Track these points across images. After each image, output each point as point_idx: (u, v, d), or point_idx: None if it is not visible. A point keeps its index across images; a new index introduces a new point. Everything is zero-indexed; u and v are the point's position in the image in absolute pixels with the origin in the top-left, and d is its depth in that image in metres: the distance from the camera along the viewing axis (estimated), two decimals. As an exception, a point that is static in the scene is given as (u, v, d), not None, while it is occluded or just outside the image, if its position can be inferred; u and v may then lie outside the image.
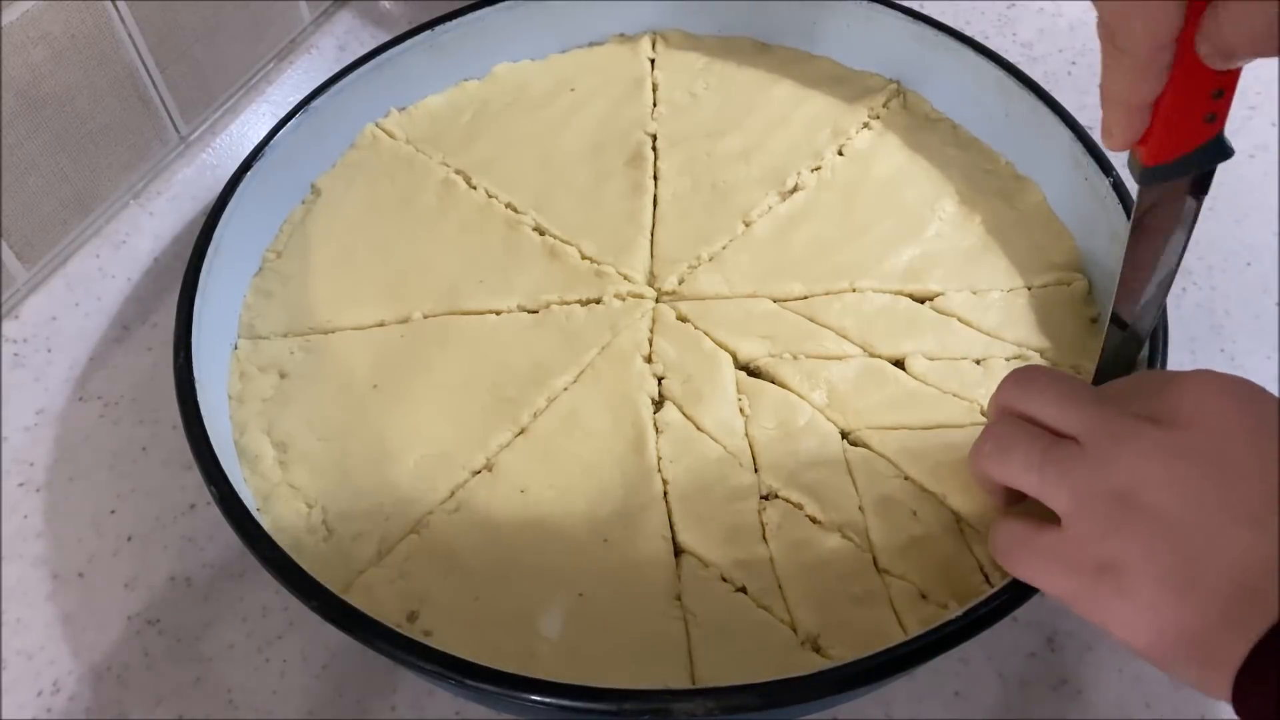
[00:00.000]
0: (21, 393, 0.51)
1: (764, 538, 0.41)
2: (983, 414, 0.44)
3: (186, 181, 0.58)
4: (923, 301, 0.48)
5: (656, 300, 0.49)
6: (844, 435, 0.44)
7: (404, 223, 0.52)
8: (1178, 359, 0.51)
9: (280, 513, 0.43)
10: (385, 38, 0.56)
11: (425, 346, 0.48)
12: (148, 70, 0.54)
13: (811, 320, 0.48)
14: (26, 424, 0.50)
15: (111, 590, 0.45)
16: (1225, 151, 0.36)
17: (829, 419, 0.45)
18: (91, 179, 0.54)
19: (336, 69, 0.54)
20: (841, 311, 0.48)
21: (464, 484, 0.44)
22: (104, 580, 0.46)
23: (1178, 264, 0.39)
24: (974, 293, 0.48)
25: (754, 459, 0.44)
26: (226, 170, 0.50)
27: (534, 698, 0.34)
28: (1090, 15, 0.67)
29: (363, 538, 0.42)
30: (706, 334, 0.47)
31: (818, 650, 0.39)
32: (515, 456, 0.44)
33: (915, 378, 0.46)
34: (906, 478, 0.43)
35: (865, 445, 0.44)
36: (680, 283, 0.50)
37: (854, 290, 0.49)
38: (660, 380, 0.46)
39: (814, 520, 0.42)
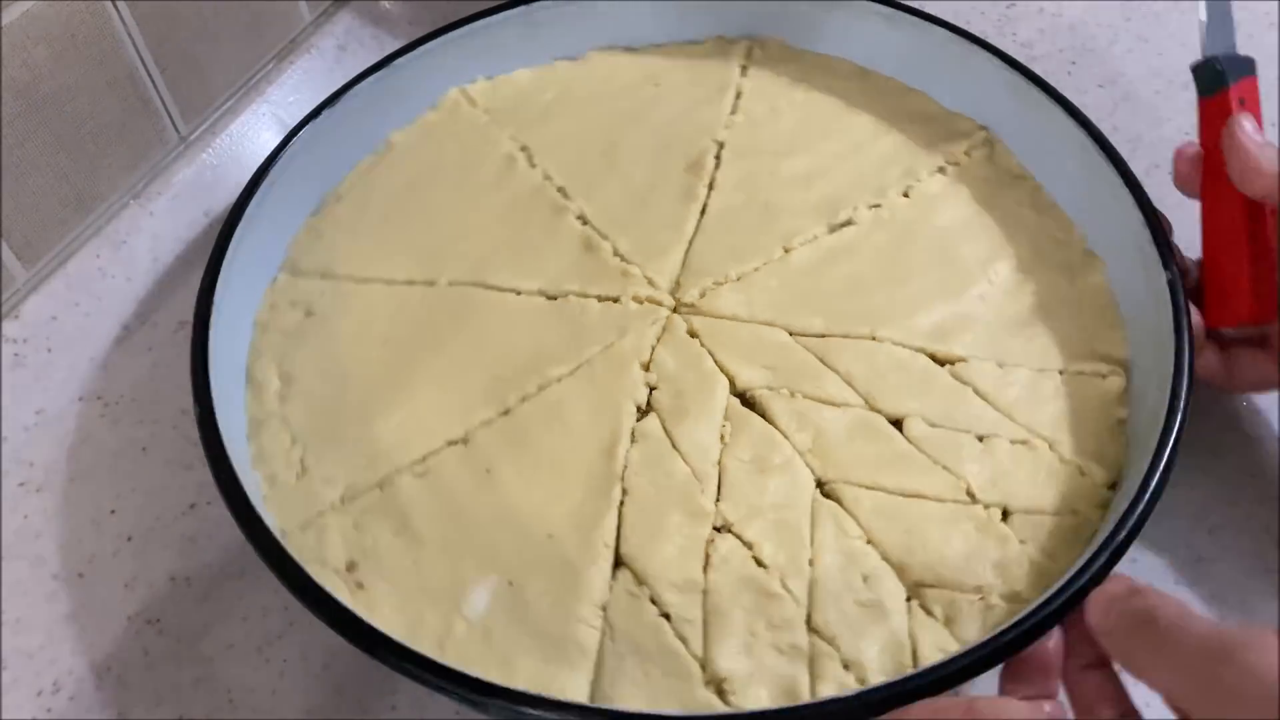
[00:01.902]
0: (21, 393, 0.51)
1: (705, 569, 0.41)
2: (969, 494, 0.42)
3: (186, 181, 0.58)
4: (943, 364, 0.46)
5: (673, 310, 0.49)
6: (819, 484, 0.43)
7: (459, 190, 0.53)
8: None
9: (265, 442, 0.45)
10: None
11: (441, 313, 0.49)
12: (148, 70, 0.54)
13: (821, 360, 0.46)
14: (26, 424, 0.50)
15: (111, 590, 0.45)
16: None
17: (808, 463, 0.43)
18: (91, 179, 0.54)
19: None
20: (854, 357, 0.46)
21: (437, 451, 0.44)
22: (104, 580, 0.46)
23: None
24: (1000, 365, 0.46)
25: (719, 487, 0.43)
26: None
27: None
28: (1089, 15, 0.67)
29: (331, 482, 0.43)
30: (710, 353, 0.47)
31: (720, 694, 0.38)
32: (492, 436, 0.45)
33: (910, 440, 0.44)
34: (869, 541, 0.41)
35: (837, 499, 0.42)
36: (701, 296, 0.49)
37: (874, 339, 0.47)
38: (652, 390, 0.46)
39: (759, 563, 0.41)
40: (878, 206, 0.51)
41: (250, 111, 0.61)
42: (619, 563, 0.41)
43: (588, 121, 0.56)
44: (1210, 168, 0.45)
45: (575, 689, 0.38)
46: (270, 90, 0.62)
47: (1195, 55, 0.47)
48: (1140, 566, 0.45)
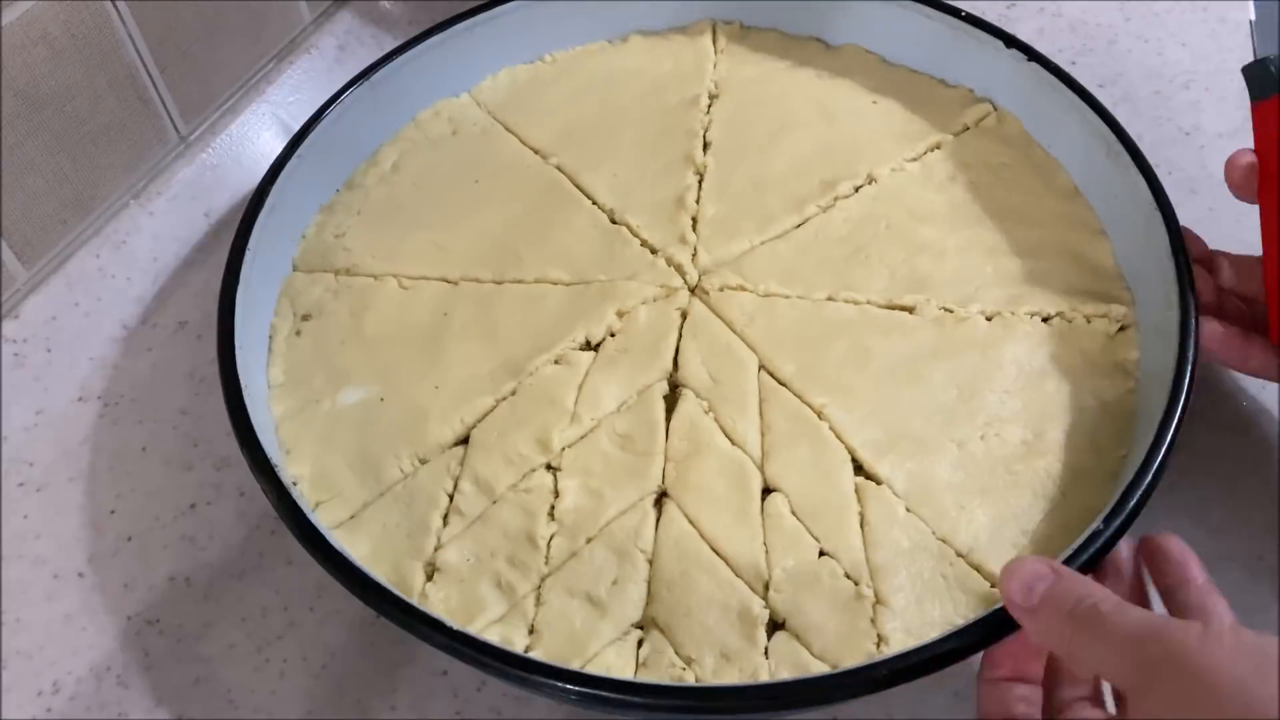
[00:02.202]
0: (21, 393, 0.51)
1: (512, 487, 0.43)
2: (764, 587, 0.40)
3: (186, 181, 0.58)
4: (860, 473, 0.43)
5: (690, 289, 0.49)
6: (660, 491, 0.43)
7: (631, 103, 0.57)
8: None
9: (344, 202, 0.53)
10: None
11: (533, 184, 0.54)
12: (148, 70, 0.54)
13: (760, 401, 0.45)
14: (26, 424, 0.50)
15: (111, 590, 0.45)
16: None
17: (664, 469, 0.43)
18: (91, 179, 0.54)
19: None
20: (786, 416, 0.44)
21: (429, 279, 0.50)
22: (104, 580, 0.46)
23: None
24: (907, 510, 0.42)
25: (580, 438, 0.44)
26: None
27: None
28: (1089, 15, 0.67)
29: (350, 253, 0.51)
30: (680, 337, 0.47)
31: (428, 575, 0.41)
32: (473, 292, 0.49)
33: (763, 511, 0.42)
34: (649, 559, 0.41)
35: (659, 509, 0.42)
36: (719, 290, 0.49)
37: (820, 415, 0.44)
38: (611, 334, 0.48)
39: (551, 511, 0.42)
40: (950, 311, 0.47)
41: (250, 111, 0.61)
42: (466, 440, 0.45)
43: (769, 100, 0.57)
44: (1267, 174, 0.43)
45: (345, 501, 0.43)
46: (270, 90, 0.62)
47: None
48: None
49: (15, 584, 0.45)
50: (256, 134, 0.53)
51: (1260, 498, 0.47)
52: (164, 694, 0.43)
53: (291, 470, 0.43)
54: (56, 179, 0.52)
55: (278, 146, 0.52)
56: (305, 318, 0.49)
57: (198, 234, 0.57)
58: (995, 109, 0.56)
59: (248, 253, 0.47)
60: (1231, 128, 0.60)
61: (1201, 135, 0.53)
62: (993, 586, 0.40)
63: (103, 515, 0.47)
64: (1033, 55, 0.53)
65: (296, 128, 0.52)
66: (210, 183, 0.58)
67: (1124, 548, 0.38)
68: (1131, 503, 0.38)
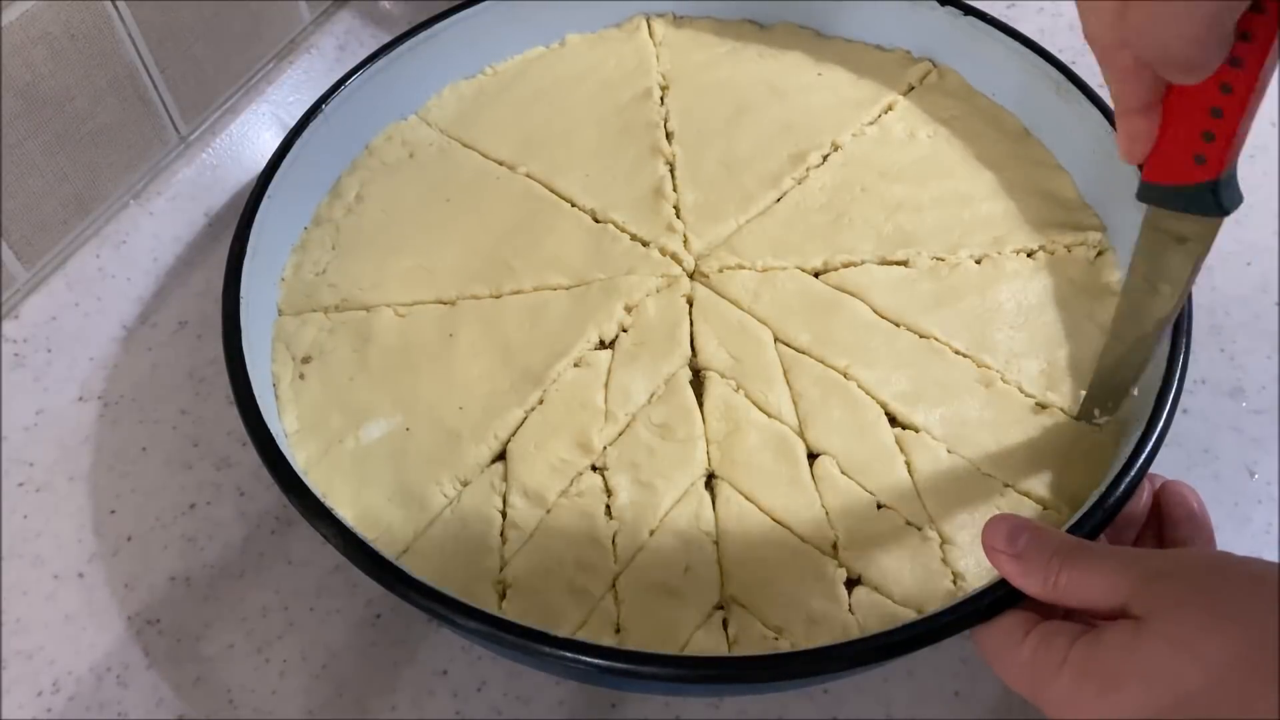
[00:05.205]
0: (21, 393, 0.50)
1: (562, 493, 0.43)
2: (833, 547, 0.41)
3: (186, 181, 0.58)
4: (895, 424, 0.44)
5: (690, 274, 0.50)
6: (709, 473, 0.43)
7: (588, 101, 0.57)
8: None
9: (313, 238, 0.52)
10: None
11: (505, 195, 0.53)
12: (148, 70, 0.54)
13: (785, 371, 0.46)
14: (26, 424, 0.50)
15: (111, 590, 0.45)
16: (1220, 206, 0.34)
17: (708, 451, 0.44)
18: (91, 179, 0.53)
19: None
20: (814, 381, 0.45)
21: (425, 303, 0.49)
22: (104, 580, 0.46)
23: (1163, 323, 0.39)
24: (949, 451, 0.43)
25: (619, 435, 0.44)
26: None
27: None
28: (1090, 15, 0.67)
29: (335, 289, 0.50)
30: (692, 323, 0.48)
31: (500, 595, 0.40)
32: (473, 309, 0.49)
33: (814, 476, 0.43)
34: (715, 540, 0.41)
35: (713, 492, 0.43)
36: (719, 271, 0.49)
37: (845, 375, 0.46)
38: (623, 330, 0.48)
39: (608, 510, 0.42)
40: (941, 260, 0.49)
41: (250, 111, 0.61)
42: (503, 455, 0.44)
43: (720, 85, 0.58)
44: None
45: (395, 536, 0.42)
46: (270, 90, 0.62)
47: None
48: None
49: (15, 584, 0.45)
50: (256, 134, 0.53)
51: (1260, 497, 0.47)
52: (164, 694, 0.43)
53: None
54: (56, 179, 0.51)
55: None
56: (305, 360, 0.47)
57: (198, 234, 0.57)
58: (935, 66, 0.58)
59: (242, 302, 0.45)
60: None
61: (1201, 135, 0.52)
62: (1045, 509, 0.42)
63: (103, 515, 0.47)
64: (969, 10, 0.55)
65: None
66: (210, 183, 0.58)
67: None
68: (1164, 412, 0.40)
